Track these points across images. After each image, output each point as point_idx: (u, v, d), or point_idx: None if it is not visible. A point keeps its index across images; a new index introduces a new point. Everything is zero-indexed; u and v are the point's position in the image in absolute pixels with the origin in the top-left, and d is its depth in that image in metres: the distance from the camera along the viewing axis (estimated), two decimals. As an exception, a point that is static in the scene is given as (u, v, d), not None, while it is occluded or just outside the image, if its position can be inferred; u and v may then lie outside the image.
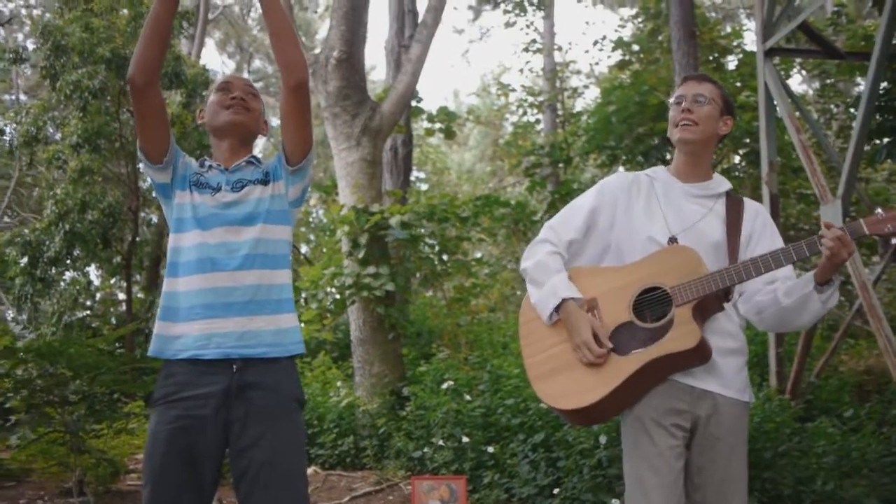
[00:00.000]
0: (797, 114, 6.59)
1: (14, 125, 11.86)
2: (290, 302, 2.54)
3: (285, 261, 2.57)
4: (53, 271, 10.93)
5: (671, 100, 2.76)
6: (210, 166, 2.62)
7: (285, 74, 2.50)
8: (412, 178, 15.38)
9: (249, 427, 2.37)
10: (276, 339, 2.46)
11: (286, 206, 2.61)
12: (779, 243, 2.65)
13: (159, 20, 2.45)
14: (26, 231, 10.78)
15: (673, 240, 2.60)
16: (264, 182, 2.58)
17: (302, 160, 2.59)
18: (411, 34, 11.32)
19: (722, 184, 2.74)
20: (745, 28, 13.27)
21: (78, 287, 11.55)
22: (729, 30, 13.42)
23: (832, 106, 12.86)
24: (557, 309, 2.61)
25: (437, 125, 13.01)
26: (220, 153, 2.65)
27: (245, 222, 2.50)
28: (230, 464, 2.42)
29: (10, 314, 12.98)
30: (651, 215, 2.66)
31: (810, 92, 14.72)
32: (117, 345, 10.92)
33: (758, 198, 7.58)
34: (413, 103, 11.69)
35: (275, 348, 2.45)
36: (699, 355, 2.46)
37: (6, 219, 15.84)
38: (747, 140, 11.01)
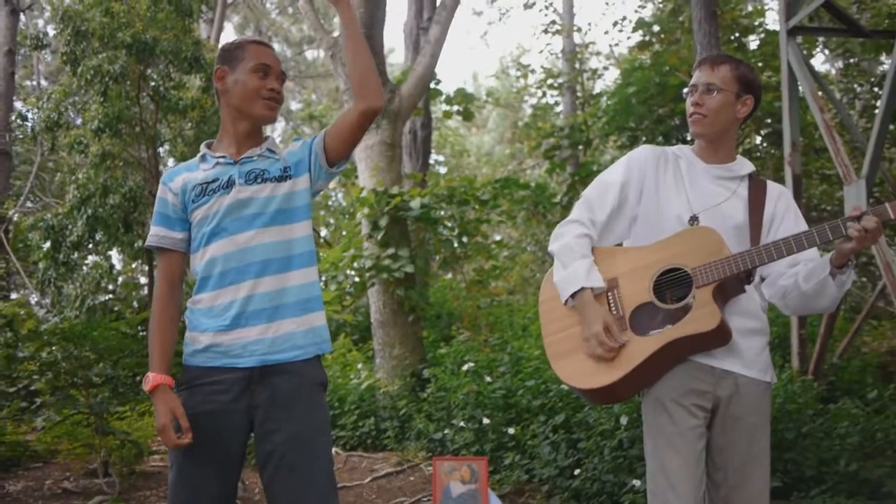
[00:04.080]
0: (820, 93, 6.51)
1: (36, 111, 11.92)
2: (313, 301, 2.49)
3: (303, 259, 2.49)
4: (76, 255, 10.98)
5: (686, 89, 2.73)
6: (216, 162, 2.51)
7: (362, 98, 2.45)
8: (431, 161, 15.34)
9: (273, 411, 2.37)
10: (305, 341, 2.44)
11: (306, 200, 2.53)
12: (802, 226, 2.62)
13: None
14: (49, 216, 10.83)
15: (694, 218, 2.58)
16: (281, 178, 2.49)
17: (343, 162, 2.56)
18: (430, 16, 11.28)
19: (745, 166, 2.71)
20: (766, 7, 13.14)
21: (100, 271, 11.61)
22: (751, 9, 13.27)
23: (856, 85, 12.70)
24: (574, 295, 2.60)
25: (456, 107, 12.96)
26: (232, 130, 2.54)
27: (257, 223, 2.43)
28: (255, 447, 2.43)
29: (34, 298, 13.11)
30: (677, 191, 2.64)
31: (833, 72, 14.53)
32: (140, 328, 11.00)
33: (780, 179, 7.53)
34: (432, 86, 11.65)
35: (296, 352, 2.42)
36: (719, 337, 2.45)
37: (29, 203, 15.95)
38: (769, 120, 10.91)
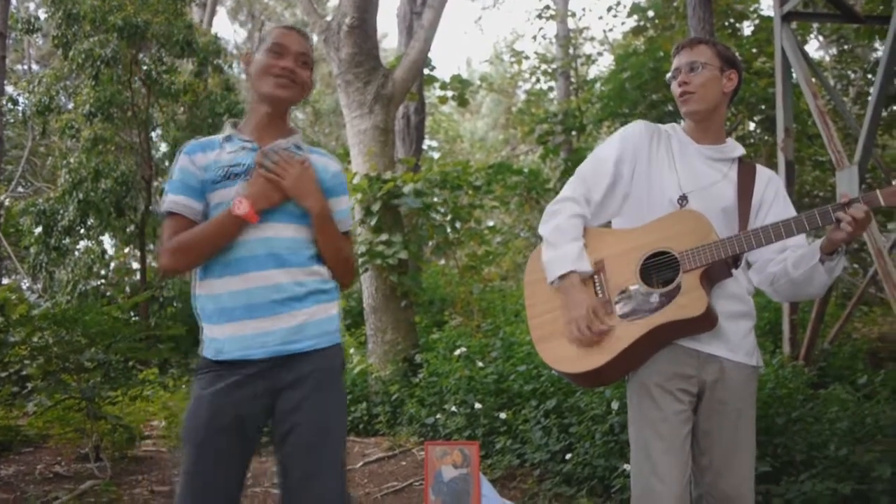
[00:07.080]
0: (814, 80, 6.50)
1: (27, 95, 11.86)
2: (322, 293, 2.49)
3: (313, 259, 2.49)
4: (68, 240, 10.97)
5: (668, 75, 2.73)
6: (241, 146, 2.49)
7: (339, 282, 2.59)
8: (424, 147, 15.32)
9: (296, 391, 2.37)
10: (317, 331, 2.43)
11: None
12: (791, 212, 2.62)
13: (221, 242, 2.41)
14: (40, 200, 10.82)
15: (683, 198, 2.57)
16: None
17: None
18: (424, 0, 11.23)
19: (736, 149, 2.70)
20: (761, -8, 13.09)
21: (92, 256, 11.60)
22: (745, -5, 13.24)
23: (850, 72, 12.71)
24: (562, 277, 2.58)
25: (450, 93, 12.94)
26: (255, 115, 2.54)
27: (275, 217, 2.42)
28: (272, 426, 2.41)
29: (26, 283, 13.08)
30: (669, 170, 2.63)
31: (827, 58, 14.53)
32: (132, 313, 10.98)
33: (773, 165, 7.53)
34: (426, 71, 11.61)
35: (309, 342, 2.41)
36: (705, 322, 2.45)
37: (20, 188, 15.89)
38: (762, 107, 10.91)
